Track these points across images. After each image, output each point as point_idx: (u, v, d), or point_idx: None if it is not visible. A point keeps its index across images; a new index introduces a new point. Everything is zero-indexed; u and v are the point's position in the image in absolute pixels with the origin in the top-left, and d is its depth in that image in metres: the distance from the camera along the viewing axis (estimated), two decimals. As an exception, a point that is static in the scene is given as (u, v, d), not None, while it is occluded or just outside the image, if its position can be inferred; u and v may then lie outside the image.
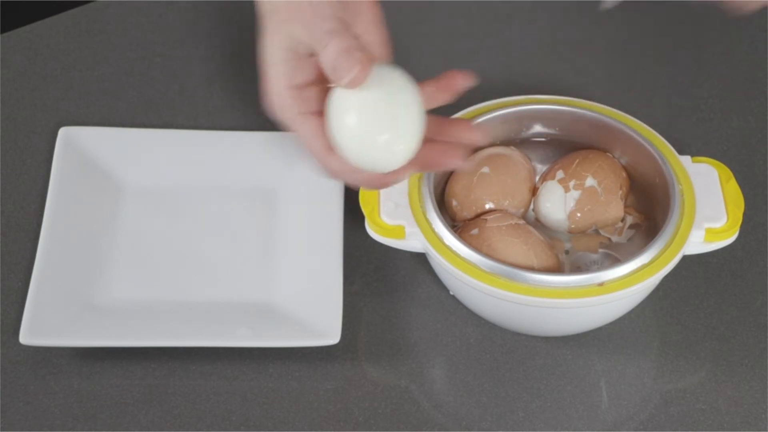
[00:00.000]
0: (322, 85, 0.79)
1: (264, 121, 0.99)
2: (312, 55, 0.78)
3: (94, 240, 0.89)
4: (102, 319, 0.85)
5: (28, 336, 0.83)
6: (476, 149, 0.90)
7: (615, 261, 0.87)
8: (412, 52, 1.06)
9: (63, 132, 0.94)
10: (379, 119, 0.76)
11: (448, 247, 0.82)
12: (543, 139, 0.93)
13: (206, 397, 0.84)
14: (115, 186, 0.93)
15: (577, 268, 0.87)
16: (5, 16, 1.09)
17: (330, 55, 0.75)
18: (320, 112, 0.78)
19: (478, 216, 0.87)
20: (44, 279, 0.86)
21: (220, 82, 1.02)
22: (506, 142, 0.92)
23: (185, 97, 1.01)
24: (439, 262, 0.83)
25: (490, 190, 0.87)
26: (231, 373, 0.85)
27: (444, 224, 0.83)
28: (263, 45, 0.81)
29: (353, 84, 0.75)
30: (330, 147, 0.78)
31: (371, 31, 0.80)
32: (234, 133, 0.96)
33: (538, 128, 0.92)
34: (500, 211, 0.87)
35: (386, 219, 0.84)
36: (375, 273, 0.90)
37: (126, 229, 0.91)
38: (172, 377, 0.84)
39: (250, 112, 1.00)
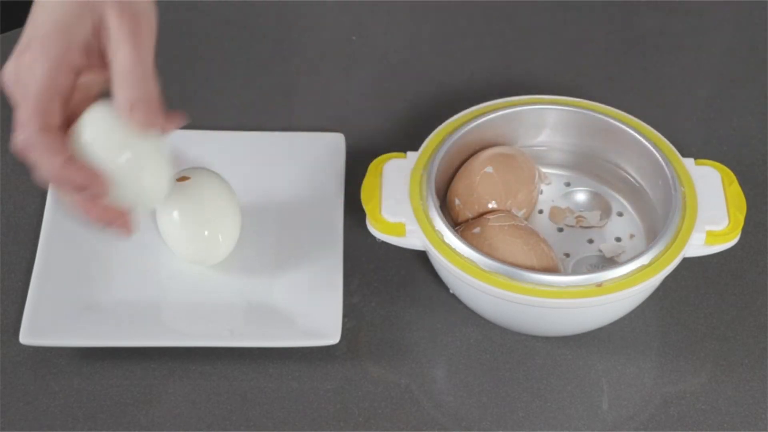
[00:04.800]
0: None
1: (264, 121, 0.99)
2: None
3: (93, 240, 0.89)
4: (102, 319, 0.85)
5: (28, 336, 0.83)
6: (481, 149, 0.90)
7: (615, 263, 0.87)
8: (413, 52, 1.07)
9: (63, 132, 0.94)
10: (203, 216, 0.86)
11: (448, 246, 0.82)
12: (544, 144, 0.93)
13: (206, 397, 0.84)
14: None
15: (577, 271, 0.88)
16: (5, 16, 1.09)
17: (129, 95, 0.76)
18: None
19: (480, 215, 0.87)
20: (44, 279, 0.86)
21: (221, 82, 1.02)
22: (507, 143, 0.92)
23: (185, 97, 1.01)
24: (438, 260, 0.83)
25: (492, 189, 0.88)
26: (231, 373, 0.85)
27: (444, 222, 0.83)
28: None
29: (147, 129, 0.77)
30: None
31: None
32: (234, 133, 0.96)
33: (538, 130, 0.92)
34: (503, 210, 0.87)
35: (387, 216, 0.84)
36: (375, 273, 0.90)
37: (126, 229, 0.91)
38: (172, 377, 0.84)
39: (250, 112, 1.00)
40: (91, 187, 0.77)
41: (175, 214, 0.86)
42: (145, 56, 0.77)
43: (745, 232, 0.85)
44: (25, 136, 0.75)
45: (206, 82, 1.02)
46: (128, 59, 0.76)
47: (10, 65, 0.76)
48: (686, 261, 0.84)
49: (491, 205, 0.88)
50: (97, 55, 0.77)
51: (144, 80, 0.76)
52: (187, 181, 0.86)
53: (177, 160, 0.83)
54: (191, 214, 0.86)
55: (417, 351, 0.86)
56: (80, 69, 0.77)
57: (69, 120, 0.78)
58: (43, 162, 0.75)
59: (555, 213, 0.92)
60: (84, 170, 0.76)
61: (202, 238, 0.86)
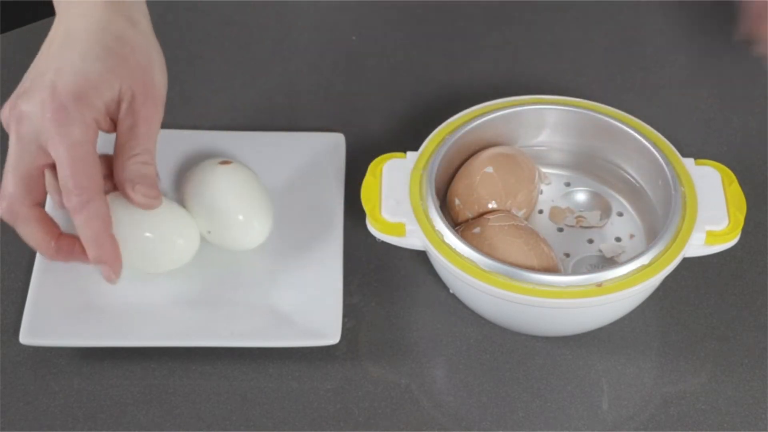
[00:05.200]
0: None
1: (264, 121, 1.00)
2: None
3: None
4: (102, 319, 0.85)
5: (28, 336, 0.83)
6: (481, 149, 0.90)
7: (615, 263, 0.87)
8: (413, 51, 1.07)
9: (63, 132, 0.94)
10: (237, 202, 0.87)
11: (448, 246, 0.82)
12: (544, 144, 0.93)
13: (206, 397, 0.84)
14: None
15: (577, 271, 0.88)
16: (5, 16, 1.09)
17: (134, 173, 0.81)
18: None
19: (480, 215, 0.87)
20: (44, 279, 0.86)
21: (220, 82, 1.02)
22: (507, 143, 0.92)
23: (185, 97, 1.01)
24: (438, 260, 0.82)
25: (493, 189, 0.88)
26: (231, 373, 0.85)
27: (444, 222, 0.83)
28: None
29: (146, 207, 0.82)
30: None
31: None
32: (234, 133, 0.96)
33: (538, 130, 0.92)
34: (504, 211, 0.87)
35: (387, 216, 0.84)
36: (375, 273, 0.90)
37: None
38: (172, 377, 0.84)
39: (250, 112, 1.00)
40: (115, 265, 0.82)
41: (214, 196, 0.86)
42: (154, 141, 0.82)
43: (745, 232, 0.85)
44: (82, 198, 0.79)
45: (206, 82, 1.02)
46: (141, 144, 0.81)
47: (32, 108, 0.79)
48: (686, 261, 0.84)
49: (491, 205, 0.88)
50: (110, 121, 0.82)
51: (149, 163, 0.81)
52: (230, 165, 0.87)
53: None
54: (230, 197, 0.87)
55: (417, 351, 0.86)
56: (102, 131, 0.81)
57: None
58: (90, 227, 0.80)
59: (555, 213, 0.92)
60: (116, 245, 0.81)
61: (236, 222, 0.87)
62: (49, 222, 0.82)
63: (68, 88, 0.78)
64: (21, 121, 0.79)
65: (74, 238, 0.82)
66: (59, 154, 0.78)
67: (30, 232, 0.81)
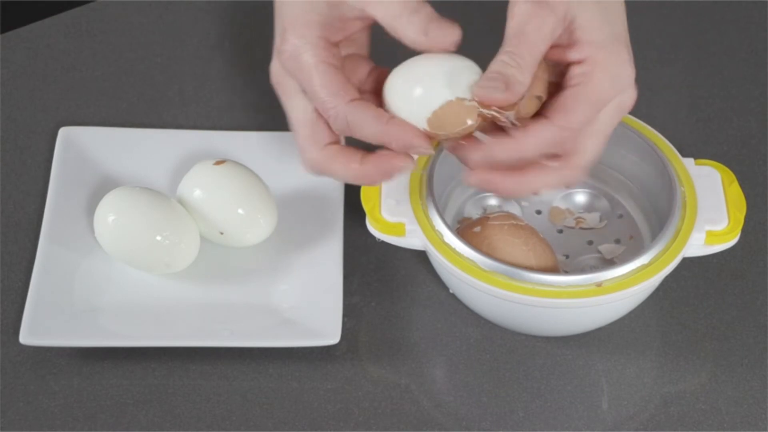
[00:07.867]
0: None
1: (264, 121, 1.00)
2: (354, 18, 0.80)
3: (93, 240, 0.89)
4: (102, 319, 0.85)
5: (28, 336, 0.83)
6: None
7: (614, 263, 0.87)
8: (413, 52, 1.06)
9: (63, 132, 0.95)
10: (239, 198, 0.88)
11: (448, 245, 0.82)
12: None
13: (206, 397, 0.84)
14: (115, 186, 0.93)
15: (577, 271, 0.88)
16: (5, 16, 1.09)
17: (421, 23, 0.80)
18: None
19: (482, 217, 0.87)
20: (44, 279, 0.86)
21: (220, 82, 1.02)
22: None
23: (185, 97, 1.01)
24: (438, 260, 0.83)
25: None
26: (231, 373, 0.85)
27: (444, 222, 0.83)
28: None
29: (448, 48, 0.81)
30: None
31: None
32: (234, 133, 0.96)
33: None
34: (504, 211, 0.87)
35: (387, 216, 0.84)
36: (375, 273, 0.90)
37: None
38: (172, 377, 0.84)
39: (250, 112, 1.00)
40: (414, 143, 0.77)
41: (213, 195, 0.87)
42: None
43: (745, 232, 0.86)
44: (336, 112, 0.77)
45: (206, 82, 1.02)
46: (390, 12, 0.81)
47: (275, 64, 0.80)
48: (686, 261, 0.84)
49: None
50: (343, 29, 0.80)
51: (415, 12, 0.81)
52: (224, 164, 0.87)
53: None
54: (228, 195, 0.87)
55: (417, 351, 0.86)
56: (338, 42, 0.80)
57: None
58: (366, 127, 0.77)
59: (555, 214, 0.92)
60: (406, 125, 0.78)
61: (239, 218, 0.87)
62: (347, 149, 0.80)
63: (284, 24, 0.79)
64: (278, 83, 0.80)
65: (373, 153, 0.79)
66: (303, 85, 0.79)
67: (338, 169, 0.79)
